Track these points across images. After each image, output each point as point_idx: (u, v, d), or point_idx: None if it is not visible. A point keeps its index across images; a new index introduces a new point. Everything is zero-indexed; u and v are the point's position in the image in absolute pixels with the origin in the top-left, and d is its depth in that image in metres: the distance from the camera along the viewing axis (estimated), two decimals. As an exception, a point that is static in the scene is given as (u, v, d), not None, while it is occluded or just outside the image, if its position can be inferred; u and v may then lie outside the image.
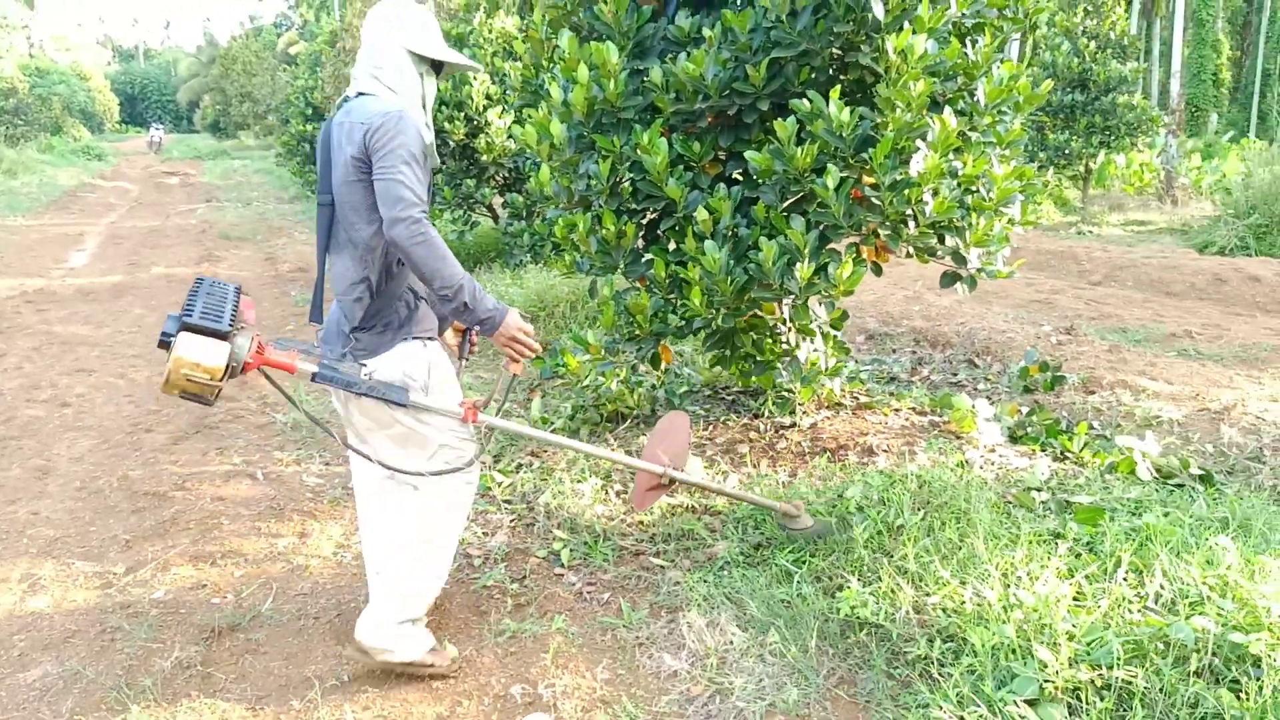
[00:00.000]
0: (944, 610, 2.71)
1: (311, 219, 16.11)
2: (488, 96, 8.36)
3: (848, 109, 3.37)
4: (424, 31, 2.60)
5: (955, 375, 5.65)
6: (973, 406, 4.43)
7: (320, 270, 2.63)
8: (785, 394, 4.52)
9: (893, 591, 2.83)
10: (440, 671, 2.75)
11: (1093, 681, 2.33)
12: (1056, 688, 2.33)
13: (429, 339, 2.66)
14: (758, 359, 4.34)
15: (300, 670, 2.84)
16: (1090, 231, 13.53)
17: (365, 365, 2.53)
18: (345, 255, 2.55)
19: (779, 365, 4.37)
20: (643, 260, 4.04)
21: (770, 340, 4.35)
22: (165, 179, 26.55)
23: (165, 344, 2.29)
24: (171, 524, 3.90)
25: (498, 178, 9.08)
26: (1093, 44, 13.52)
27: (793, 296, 3.65)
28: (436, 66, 2.68)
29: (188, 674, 2.81)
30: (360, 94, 2.55)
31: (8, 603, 3.29)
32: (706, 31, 3.64)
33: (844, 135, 3.41)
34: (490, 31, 8.50)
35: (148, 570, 3.50)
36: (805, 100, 3.45)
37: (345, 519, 3.97)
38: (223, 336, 2.29)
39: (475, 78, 8.26)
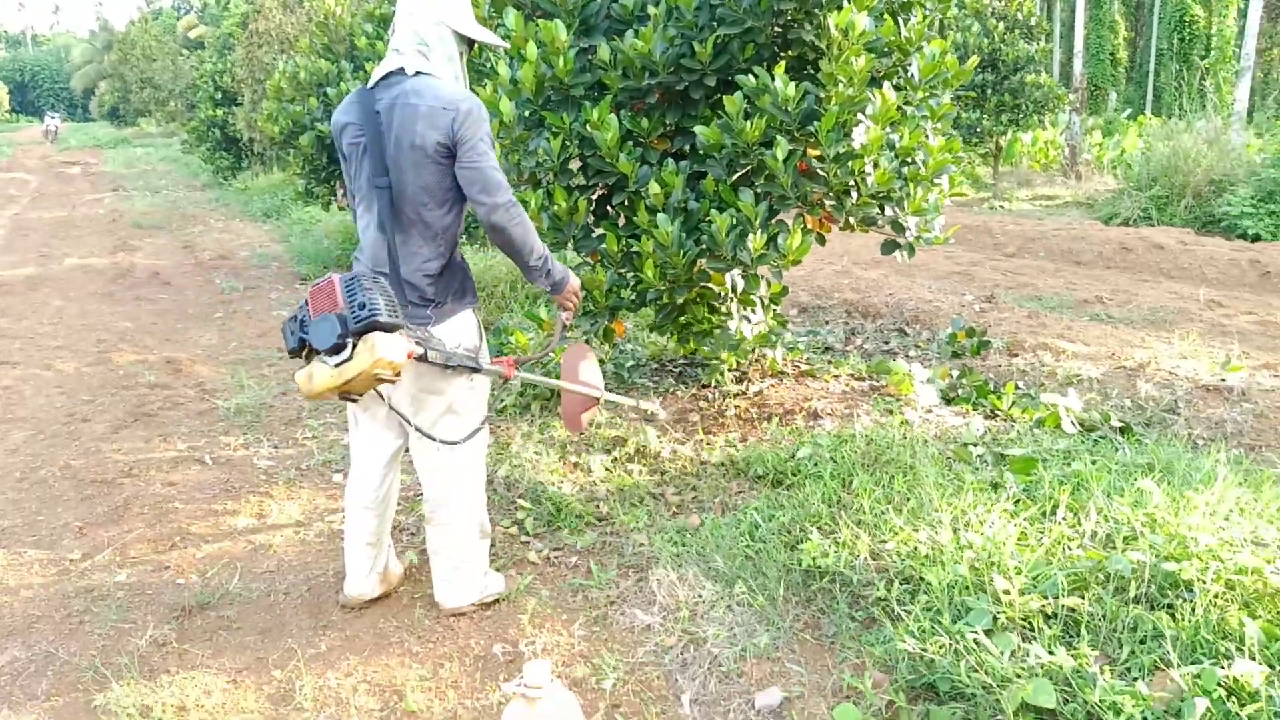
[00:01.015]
0: (899, 555, 2.87)
1: (225, 205, 15.71)
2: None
3: (793, 84, 3.50)
4: (464, 11, 2.67)
5: (887, 344, 5.87)
6: (909, 371, 4.63)
7: (390, 253, 2.61)
8: (714, 360, 4.66)
9: (851, 541, 2.98)
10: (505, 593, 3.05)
11: (1042, 611, 2.51)
12: (1009, 618, 2.51)
13: (475, 305, 2.81)
14: (694, 329, 4.47)
15: (277, 643, 2.87)
16: (1002, 207, 14.04)
17: (433, 334, 2.62)
18: (414, 234, 2.61)
19: (714, 334, 4.50)
20: (594, 235, 4.12)
21: (707, 312, 4.49)
22: (66, 169, 25.47)
23: (340, 346, 2.29)
24: (124, 510, 3.85)
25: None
26: (1001, 25, 13.98)
27: (743, 266, 3.78)
28: (469, 43, 2.73)
29: (164, 651, 2.81)
30: (419, 73, 2.56)
31: (-39, 594, 3.22)
32: (652, 9, 3.72)
33: (790, 109, 3.54)
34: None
35: (105, 555, 3.47)
36: (751, 76, 3.57)
37: (302, 499, 3.97)
38: (401, 329, 2.37)
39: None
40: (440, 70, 2.61)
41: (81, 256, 10.87)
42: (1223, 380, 4.67)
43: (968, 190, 15.23)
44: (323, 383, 2.33)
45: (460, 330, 2.72)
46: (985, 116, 14.02)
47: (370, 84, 2.63)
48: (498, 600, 3.03)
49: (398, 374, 2.38)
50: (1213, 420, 4.28)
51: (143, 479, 4.20)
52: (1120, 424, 4.18)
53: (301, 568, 3.36)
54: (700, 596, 2.94)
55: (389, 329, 2.33)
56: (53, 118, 39.41)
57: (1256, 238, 9.85)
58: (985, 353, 5.47)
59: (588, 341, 4.61)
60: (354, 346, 2.30)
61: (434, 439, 2.72)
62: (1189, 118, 13.13)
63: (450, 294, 2.70)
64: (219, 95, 17.66)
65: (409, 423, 2.73)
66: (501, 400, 4.77)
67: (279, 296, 8.58)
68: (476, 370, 2.69)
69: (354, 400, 2.49)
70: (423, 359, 2.53)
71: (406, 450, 2.93)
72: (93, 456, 4.48)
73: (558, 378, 3.27)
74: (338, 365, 2.31)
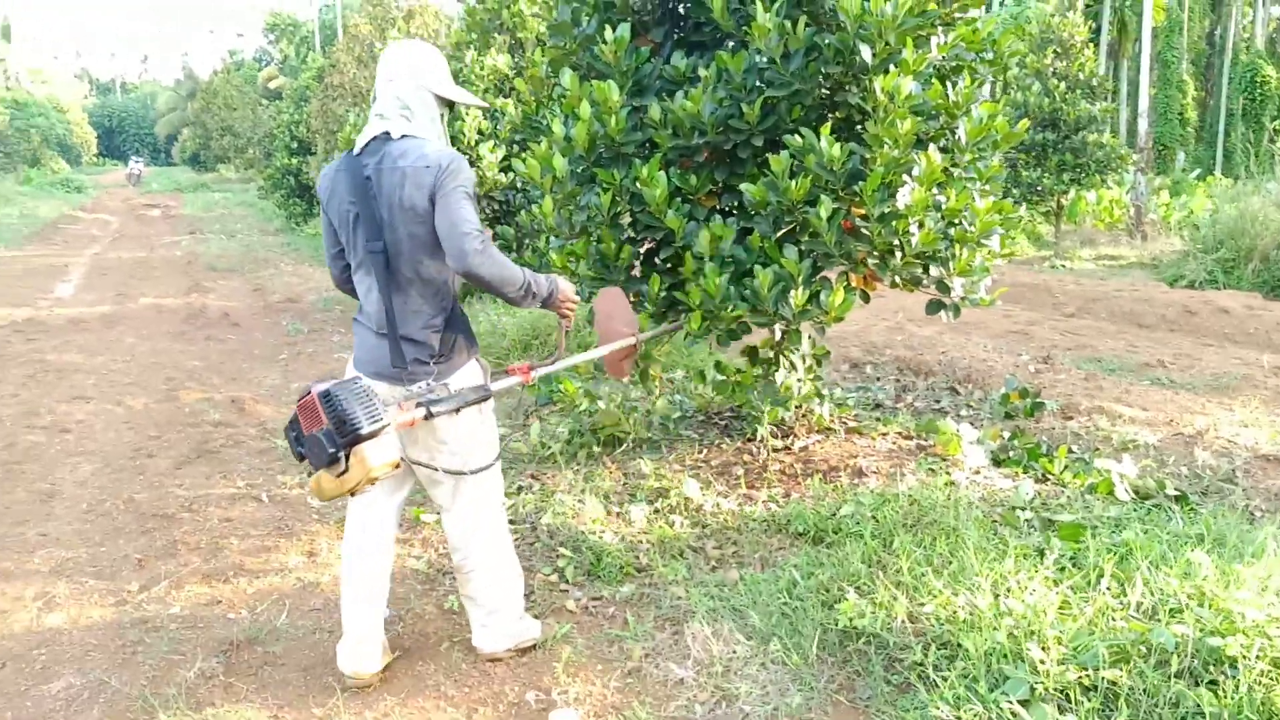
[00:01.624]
0: (938, 619, 2.85)
1: (296, 250, 16.21)
2: (479, 131, 8.55)
3: (838, 144, 3.56)
4: (442, 74, 2.79)
5: (938, 402, 5.83)
6: (958, 431, 4.60)
7: (389, 315, 2.69)
8: (755, 413, 4.68)
9: (889, 602, 2.97)
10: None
11: (1080, 682, 2.48)
12: (1046, 688, 2.47)
13: (477, 354, 2.89)
14: (736, 380, 4.51)
15: (319, 680, 2.94)
16: (1063, 265, 13.87)
17: (448, 385, 2.71)
18: (412, 293, 2.69)
19: (756, 387, 4.54)
20: (636, 277, 4.20)
21: (749, 364, 4.54)
22: (146, 211, 26.56)
23: (335, 460, 2.39)
24: (181, 544, 3.98)
25: (488, 210, 9.24)
26: (1062, 84, 13.94)
27: (785, 321, 3.81)
28: (449, 104, 2.86)
29: (210, 684, 2.90)
30: (404, 135, 2.67)
31: (24, 619, 3.36)
32: (702, 71, 3.83)
33: (834, 169, 3.60)
34: (482, 69, 8.71)
35: (161, 588, 3.59)
36: (798, 136, 3.65)
37: (351, 540, 4.06)
38: (385, 428, 2.44)
39: (467, 113, 8.45)
40: (424, 131, 2.71)
41: (156, 296, 11.30)
42: (1284, 450, 4.55)
43: (1028, 248, 15.15)
44: (331, 491, 2.45)
45: (467, 380, 2.79)
46: (1046, 175, 13.93)
47: (356, 150, 2.72)
48: (534, 646, 3.07)
49: (398, 466, 2.47)
50: (1272, 491, 4.17)
51: (201, 514, 4.34)
52: (1176, 492, 4.09)
53: (346, 608, 3.43)
54: (735, 652, 2.94)
55: (373, 435, 2.39)
56: (136, 162, 41.20)
57: (1329, 303, 9.59)
58: (1039, 415, 5.40)
59: (627, 395, 4.67)
60: (347, 458, 2.38)
61: (463, 471, 2.79)
62: (1257, 180, 12.88)
63: (453, 348, 2.77)
64: (294, 144, 18.34)
65: (425, 465, 2.80)
66: (549, 447, 4.84)
67: (341, 339, 8.81)
68: (489, 396, 2.76)
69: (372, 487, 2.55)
70: (429, 417, 2.59)
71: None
72: (156, 491, 4.64)
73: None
74: (338, 476, 2.41)
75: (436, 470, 2.79)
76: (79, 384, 6.86)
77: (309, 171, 17.54)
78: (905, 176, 3.76)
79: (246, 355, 8.14)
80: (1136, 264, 13.63)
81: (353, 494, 2.46)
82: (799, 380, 4.56)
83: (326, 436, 2.36)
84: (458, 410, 2.67)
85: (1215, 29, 34.01)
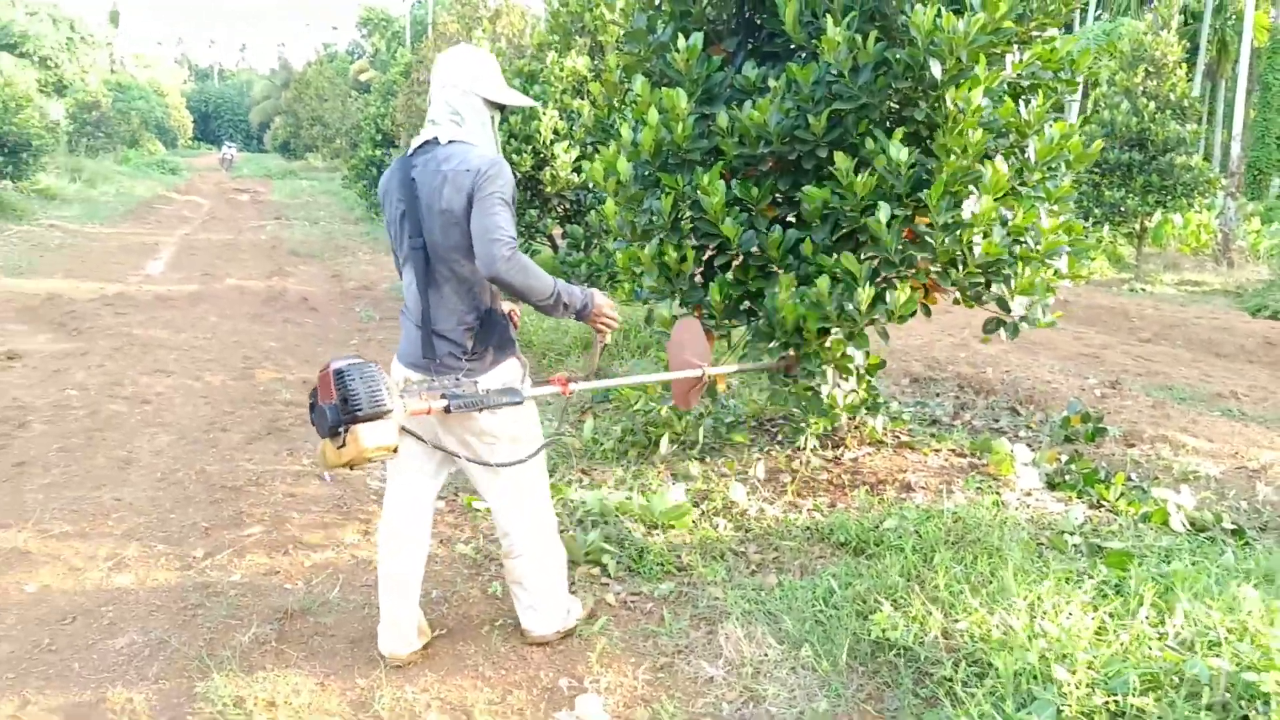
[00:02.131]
0: (971, 636, 2.86)
1: (374, 239, 16.63)
2: (555, 131, 8.70)
3: (906, 149, 3.58)
4: (491, 78, 2.87)
5: (997, 421, 5.77)
6: (1011, 451, 4.56)
7: (425, 309, 2.81)
8: (801, 424, 4.70)
9: (923, 617, 2.98)
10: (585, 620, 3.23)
11: (1108, 707, 2.47)
12: (1073, 712, 2.47)
13: (516, 353, 2.96)
14: (787, 389, 4.54)
15: (365, 653, 3.07)
16: (1143, 289, 13.51)
17: (478, 383, 2.78)
18: (448, 291, 2.79)
19: (806, 397, 4.55)
20: (699, 287, 4.26)
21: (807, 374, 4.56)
22: (236, 195, 27.47)
23: (333, 433, 2.50)
24: (246, 515, 4.17)
25: (559, 209, 9.40)
26: (1152, 104, 13.57)
27: (852, 322, 3.81)
28: (500, 106, 2.96)
29: (263, 649, 3.05)
30: (452, 141, 2.77)
31: (95, 578, 3.56)
32: (772, 82, 3.88)
33: (901, 173, 3.61)
34: (561, 70, 8.85)
35: (224, 555, 3.77)
36: (869, 140, 3.67)
37: (405, 522, 4.20)
38: (387, 414, 2.53)
39: (544, 113, 8.60)
40: (474, 136, 2.80)
41: (240, 278, 11.72)
42: (1352, 491, 4.41)
43: (1108, 270, 14.77)
44: (331, 460, 2.55)
45: (502, 379, 2.86)
46: (1131, 196, 13.58)
47: (409, 152, 2.85)
48: (577, 627, 3.18)
49: (393, 450, 2.52)
50: (1336, 532, 4.05)
51: (267, 488, 4.53)
52: (1232, 526, 4.01)
53: (395, 586, 3.57)
54: (766, 655, 2.99)
55: (372, 418, 2.47)
56: (229, 147, 42.56)
57: None
58: (1100, 440, 5.31)
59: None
60: (346, 434, 2.48)
61: (488, 464, 2.88)
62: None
63: (489, 346, 2.84)
64: (379, 137, 18.78)
65: (458, 456, 2.90)
66: (601, 444, 4.93)
67: (410, 328, 9.04)
68: (519, 402, 2.80)
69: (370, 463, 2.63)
70: (448, 410, 2.66)
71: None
72: (226, 463, 4.86)
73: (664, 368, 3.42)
74: (339, 448, 2.51)
75: (468, 461, 2.90)
76: (161, 358, 7.18)
77: (391, 164, 17.95)
78: (971, 187, 3.75)
79: (321, 339, 8.41)
80: (1220, 291, 13.21)
81: (350, 468, 2.56)
82: (851, 391, 4.56)
83: (331, 410, 2.48)
84: (479, 410, 2.73)
85: (1324, 51, 32.64)
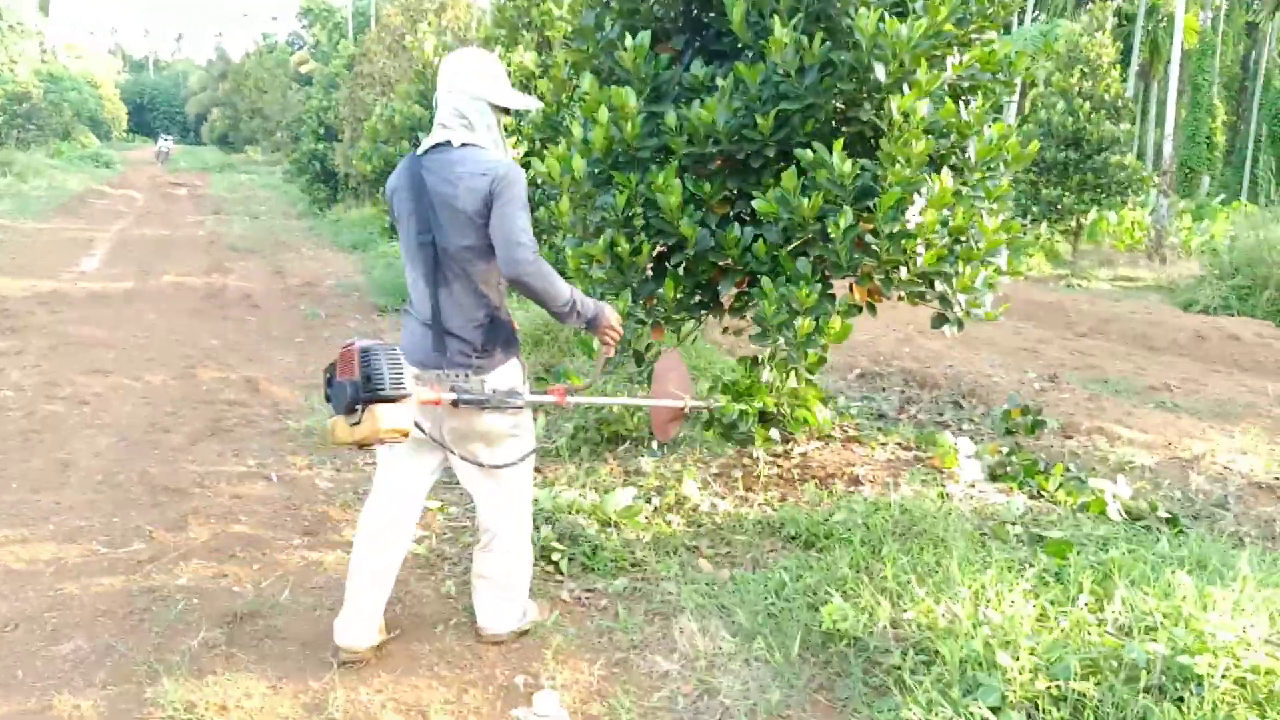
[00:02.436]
0: (918, 625, 2.93)
1: (318, 234, 16.39)
2: (504, 127, 8.65)
3: (849, 160, 3.64)
4: (500, 82, 2.92)
5: (941, 415, 5.90)
6: (955, 444, 4.67)
7: (435, 307, 2.85)
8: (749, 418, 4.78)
9: (872, 607, 3.05)
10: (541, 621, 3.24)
11: (1050, 692, 2.55)
12: (1018, 697, 2.55)
13: (519, 354, 3.03)
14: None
15: (318, 655, 3.04)
16: (1079, 285, 13.87)
17: (485, 381, 2.84)
18: (459, 289, 2.84)
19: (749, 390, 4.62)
20: (650, 281, 4.29)
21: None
22: (173, 189, 26.86)
23: (352, 410, 2.54)
24: (191, 518, 4.10)
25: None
26: (1087, 104, 13.94)
27: (787, 342, 3.88)
28: (505, 109, 2.98)
29: (213, 653, 3.01)
30: (464, 145, 2.82)
31: (38, 584, 3.48)
32: (720, 81, 3.91)
33: (845, 185, 3.68)
34: (508, 65, 8.81)
35: (170, 559, 3.71)
36: (810, 150, 3.72)
37: (356, 521, 4.16)
38: (406, 398, 2.57)
39: (491, 108, 8.55)
40: (482, 139, 2.85)
41: (178, 274, 11.48)
42: (1277, 479, 4.60)
43: (1045, 267, 15.13)
44: (340, 437, 2.60)
45: (507, 378, 2.92)
46: (1067, 194, 13.94)
47: (420, 153, 2.89)
48: (530, 629, 3.19)
49: (405, 435, 2.57)
50: (1262, 518, 4.22)
51: (212, 490, 4.46)
52: (1167, 515, 4.15)
53: (347, 586, 3.54)
54: (720, 648, 3.03)
55: (393, 399, 2.53)
56: (165, 140, 41.60)
57: (1342, 335, 9.57)
58: (1039, 432, 5.45)
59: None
60: (363, 412, 2.53)
61: (481, 464, 2.93)
62: (1276, 208, 12.84)
63: (498, 344, 2.91)
64: (321, 130, 18.55)
65: (453, 452, 2.92)
66: (554, 441, 4.94)
67: (357, 325, 8.95)
68: (520, 407, 2.89)
69: (378, 445, 2.68)
70: (456, 404, 2.73)
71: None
72: (169, 465, 4.77)
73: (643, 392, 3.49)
74: (352, 425, 2.56)
75: (477, 459, 2.94)
76: (99, 357, 7.01)
77: (334, 158, 17.72)
78: (915, 195, 3.83)
79: (264, 336, 8.28)
80: (1153, 287, 13.62)
81: (360, 447, 2.61)
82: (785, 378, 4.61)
83: (352, 386, 2.53)
84: (484, 408, 2.80)
85: (1250, 54, 33.82)
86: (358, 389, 2.52)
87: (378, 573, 2.99)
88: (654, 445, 4.68)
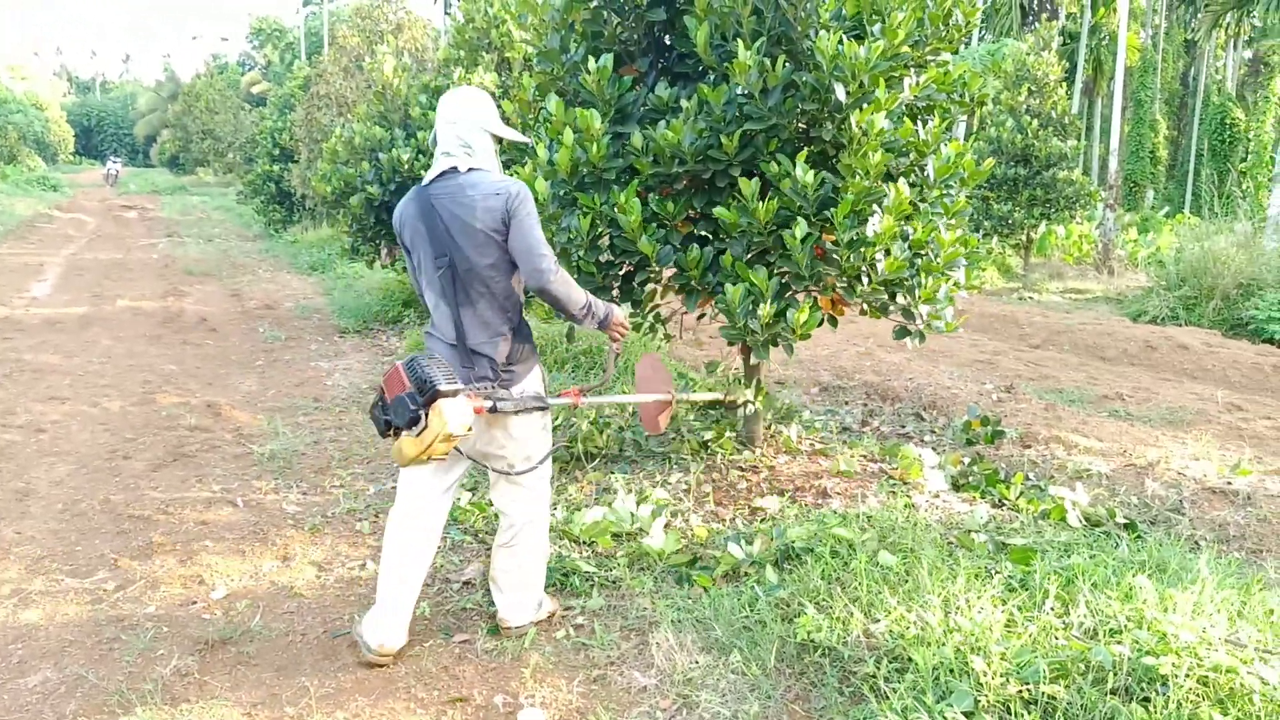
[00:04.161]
0: (891, 634, 2.98)
1: (274, 256, 16.23)
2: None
3: (812, 172, 3.73)
4: (496, 114, 3.11)
5: (903, 427, 5.99)
6: (919, 456, 4.75)
7: (458, 327, 2.98)
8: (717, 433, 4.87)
9: (845, 618, 3.09)
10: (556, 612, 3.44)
11: (1021, 696, 2.61)
12: (990, 701, 2.60)
13: (539, 360, 3.21)
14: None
15: (291, 680, 3.02)
16: (1031, 298, 14.16)
17: (511, 392, 3.02)
18: (482, 307, 2.97)
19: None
20: (615, 300, 4.33)
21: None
22: (123, 212, 26.41)
23: (415, 419, 2.69)
24: (157, 546, 4.04)
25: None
26: (1035, 121, 14.28)
27: (753, 334, 3.94)
28: (499, 140, 3.16)
29: (185, 681, 2.98)
30: (471, 169, 2.97)
31: (0, 615, 3.41)
32: (684, 102, 3.98)
33: (808, 195, 3.76)
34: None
35: (137, 588, 3.65)
36: (774, 163, 3.81)
37: (325, 545, 4.15)
38: (459, 391, 2.76)
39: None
40: (486, 164, 3.03)
41: (133, 299, 11.30)
42: (1229, 483, 4.74)
43: (998, 280, 15.43)
44: (411, 451, 2.73)
45: (531, 383, 3.12)
46: (1017, 209, 14.24)
47: (425, 183, 3.02)
48: (550, 617, 3.38)
49: (469, 429, 2.75)
50: (1216, 522, 4.35)
51: (177, 517, 4.40)
52: (1125, 520, 4.26)
53: (320, 610, 3.52)
54: (697, 662, 3.06)
55: (450, 394, 2.71)
56: (114, 162, 40.88)
57: (1284, 342, 9.88)
58: (999, 442, 5.57)
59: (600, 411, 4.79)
60: (426, 416, 2.69)
61: (510, 472, 3.11)
62: (1218, 220, 13.24)
63: (520, 357, 3.08)
64: (277, 151, 18.37)
65: (484, 465, 3.13)
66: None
67: (318, 348, 8.87)
68: (545, 409, 3.09)
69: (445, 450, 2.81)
70: (493, 410, 2.89)
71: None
72: (131, 493, 4.70)
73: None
74: (418, 434, 2.70)
75: (506, 464, 3.11)
76: (55, 384, 6.89)
77: (290, 179, 17.56)
78: (875, 207, 3.92)
79: (223, 361, 8.18)
80: (1102, 298, 13.94)
81: (429, 456, 2.74)
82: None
83: (410, 397, 2.69)
84: (516, 413, 2.98)
85: (1189, 70, 34.84)
86: (414, 396, 2.68)
87: (406, 579, 3.10)
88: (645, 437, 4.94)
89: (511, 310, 3.05)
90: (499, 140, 3.15)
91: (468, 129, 3.00)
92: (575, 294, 3.00)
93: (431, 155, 3.16)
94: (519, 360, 3.08)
